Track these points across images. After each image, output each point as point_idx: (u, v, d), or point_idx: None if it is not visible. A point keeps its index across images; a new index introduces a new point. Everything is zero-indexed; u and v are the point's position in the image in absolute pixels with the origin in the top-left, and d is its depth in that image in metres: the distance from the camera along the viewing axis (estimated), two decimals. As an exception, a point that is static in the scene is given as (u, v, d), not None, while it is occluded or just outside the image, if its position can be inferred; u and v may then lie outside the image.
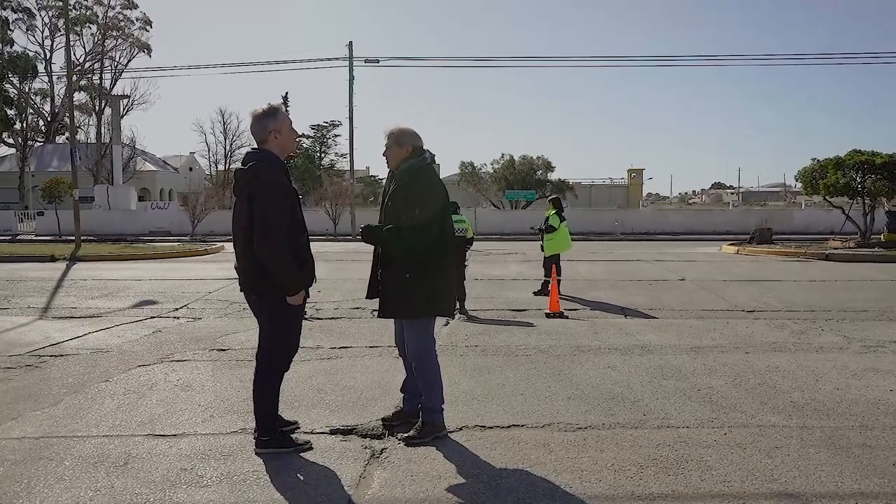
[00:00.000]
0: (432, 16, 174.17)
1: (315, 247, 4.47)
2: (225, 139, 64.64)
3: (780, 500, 3.57)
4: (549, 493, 3.68)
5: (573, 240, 12.73)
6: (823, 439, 4.47)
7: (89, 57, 52.08)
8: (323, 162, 68.99)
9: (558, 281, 11.45)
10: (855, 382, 5.88)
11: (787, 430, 4.65)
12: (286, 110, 4.45)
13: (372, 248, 4.67)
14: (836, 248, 20.77)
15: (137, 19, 52.79)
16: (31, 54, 52.23)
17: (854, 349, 7.21)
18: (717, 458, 4.15)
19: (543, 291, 11.42)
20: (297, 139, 4.86)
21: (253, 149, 4.33)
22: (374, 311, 4.85)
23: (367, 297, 4.70)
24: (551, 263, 11.46)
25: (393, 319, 4.72)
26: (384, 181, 4.77)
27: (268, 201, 4.03)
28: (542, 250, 11.97)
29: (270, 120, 4.22)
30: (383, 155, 4.60)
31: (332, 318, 9.19)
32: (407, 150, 4.51)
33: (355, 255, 20.21)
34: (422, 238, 4.34)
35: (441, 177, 4.85)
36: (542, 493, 3.69)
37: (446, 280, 4.57)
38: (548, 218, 11.75)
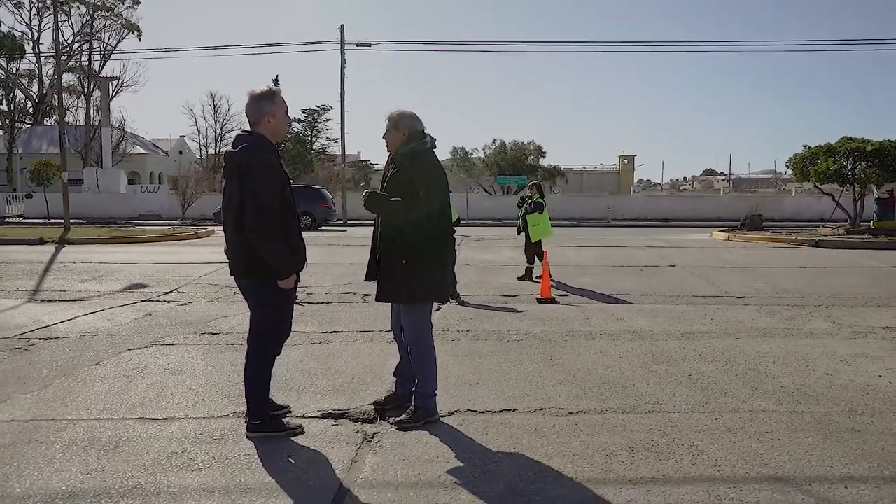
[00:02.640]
0: (425, 1, 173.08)
1: (306, 232, 4.44)
2: (216, 122, 64.33)
3: (771, 483, 3.60)
4: (540, 477, 3.69)
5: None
6: (813, 424, 4.49)
7: (77, 38, 51.56)
8: (314, 146, 68.61)
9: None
10: (844, 368, 5.91)
11: (777, 414, 4.68)
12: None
13: (370, 232, 4.64)
14: (826, 235, 20.87)
15: (126, -1, 52.23)
16: (17, 34, 51.60)
17: (843, 335, 7.26)
18: (707, 442, 4.17)
19: (527, 277, 11.50)
20: (289, 126, 4.81)
21: (244, 131, 4.28)
22: (366, 295, 4.85)
23: (365, 280, 4.68)
24: (534, 249, 11.61)
25: (389, 304, 4.71)
26: (384, 164, 4.72)
27: (259, 184, 3.99)
28: (520, 233, 11.97)
29: (267, 103, 4.18)
30: (383, 138, 4.56)
31: (324, 303, 9.16)
32: (404, 133, 4.47)
33: (346, 240, 20.18)
34: (423, 219, 4.29)
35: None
36: (534, 476, 3.69)
37: (445, 266, 4.55)
38: (533, 200, 11.66)
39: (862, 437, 4.26)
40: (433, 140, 4.53)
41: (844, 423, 4.51)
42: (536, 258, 11.49)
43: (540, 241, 11.68)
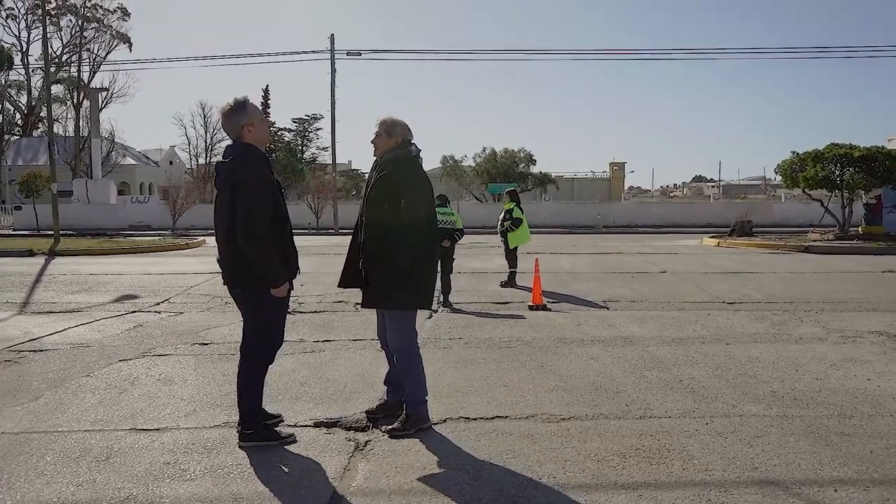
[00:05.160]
0: (414, 9, 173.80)
1: (297, 240, 4.46)
2: (205, 132, 64.24)
3: (761, 487, 3.62)
4: (532, 484, 3.70)
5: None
6: (803, 428, 4.53)
7: (67, 49, 51.50)
8: (305, 155, 68.58)
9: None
10: (834, 372, 5.95)
11: (767, 419, 4.71)
12: (267, 103, 4.45)
13: (350, 238, 4.66)
14: (815, 241, 20.98)
15: (115, 9, 52.20)
16: (6, 46, 51.47)
17: (833, 339, 7.30)
18: (698, 447, 4.19)
19: (511, 283, 11.58)
20: (270, 129, 4.83)
21: (233, 142, 4.30)
22: (358, 304, 4.85)
23: (339, 286, 4.68)
24: (514, 255, 11.83)
25: (375, 313, 4.72)
26: (369, 172, 4.75)
27: (250, 193, 4.01)
28: (503, 241, 12.09)
29: (241, 115, 4.19)
30: (372, 143, 4.58)
31: (315, 312, 9.16)
32: (396, 141, 4.51)
33: (338, 249, 20.15)
34: (409, 226, 4.32)
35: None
36: (526, 483, 3.71)
37: (430, 274, 4.56)
38: (511, 211, 11.84)
39: (851, 441, 4.29)
40: (418, 149, 4.56)
41: (834, 427, 4.55)
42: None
43: (516, 247, 11.84)
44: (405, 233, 4.31)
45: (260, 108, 4.33)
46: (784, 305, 9.64)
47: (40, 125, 54.97)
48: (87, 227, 33.34)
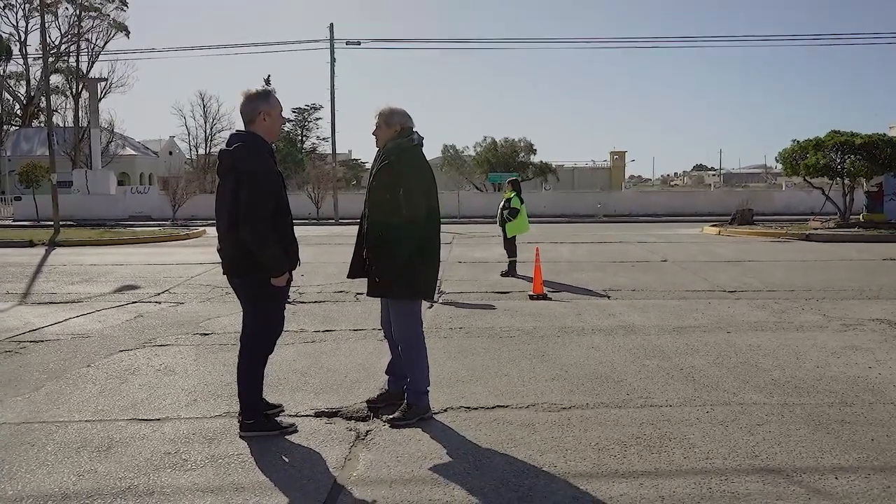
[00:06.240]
0: (414, 9, 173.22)
1: (298, 231, 4.44)
2: (205, 122, 64.22)
3: (762, 475, 3.62)
4: (533, 473, 3.70)
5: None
6: (804, 416, 4.52)
7: (65, 39, 51.32)
8: (305, 146, 68.48)
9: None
10: (834, 360, 5.95)
11: (768, 407, 4.71)
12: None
13: (356, 229, 4.65)
14: (816, 229, 20.95)
15: (114, -1, 51.98)
16: (4, 36, 51.29)
17: (834, 328, 7.30)
18: (699, 435, 4.19)
19: (511, 272, 11.58)
20: (283, 127, 4.82)
21: (238, 130, 4.28)
22: (359, 294, 4.85)
23: (348, 277, 4.68)
24: (513, 244, 11.84)
25: (379, 302, 4.71)
26: (371, 162, 4.73)
27: (253, 183, 3.99)
28: (502, 230, 12.08)
29: (262, 102, 4.18)
30: (373, 134, 4.56)
31: (316, 302, 9.15)
32: (395, 130, 4.48)
33: (338, 239, 20.15)
34: (412, 225, 4.32)
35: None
36: (527, 472, 3.71)
37: (432, 264, 4.54)
38: (510, 200, 11.83)
39: (852, 429, 4.29)
40: (420, 138, 4.54)
41: (835, 415, 4.55)
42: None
43: (514, 237, 11.85)
44: (406, 224, 4.29)
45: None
46: (785, 294, 9.63)
47: (40, 115, 54.84)
48: (87, 218, 33.32)
